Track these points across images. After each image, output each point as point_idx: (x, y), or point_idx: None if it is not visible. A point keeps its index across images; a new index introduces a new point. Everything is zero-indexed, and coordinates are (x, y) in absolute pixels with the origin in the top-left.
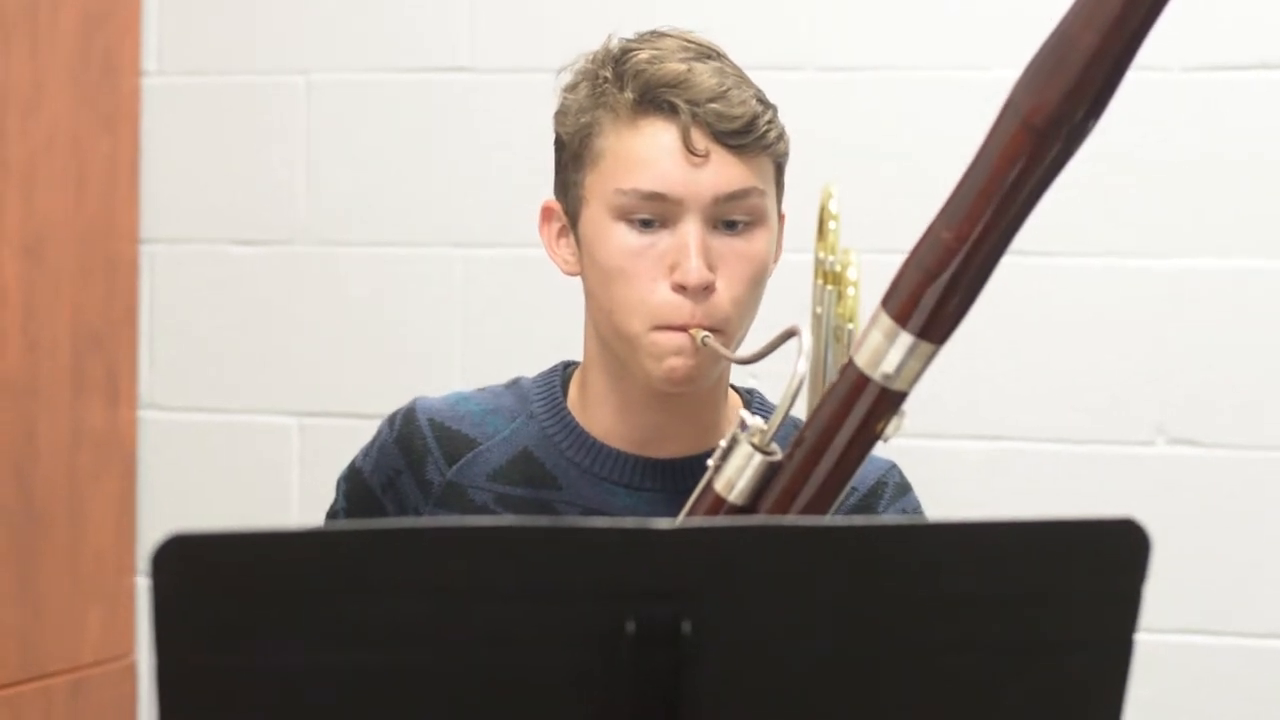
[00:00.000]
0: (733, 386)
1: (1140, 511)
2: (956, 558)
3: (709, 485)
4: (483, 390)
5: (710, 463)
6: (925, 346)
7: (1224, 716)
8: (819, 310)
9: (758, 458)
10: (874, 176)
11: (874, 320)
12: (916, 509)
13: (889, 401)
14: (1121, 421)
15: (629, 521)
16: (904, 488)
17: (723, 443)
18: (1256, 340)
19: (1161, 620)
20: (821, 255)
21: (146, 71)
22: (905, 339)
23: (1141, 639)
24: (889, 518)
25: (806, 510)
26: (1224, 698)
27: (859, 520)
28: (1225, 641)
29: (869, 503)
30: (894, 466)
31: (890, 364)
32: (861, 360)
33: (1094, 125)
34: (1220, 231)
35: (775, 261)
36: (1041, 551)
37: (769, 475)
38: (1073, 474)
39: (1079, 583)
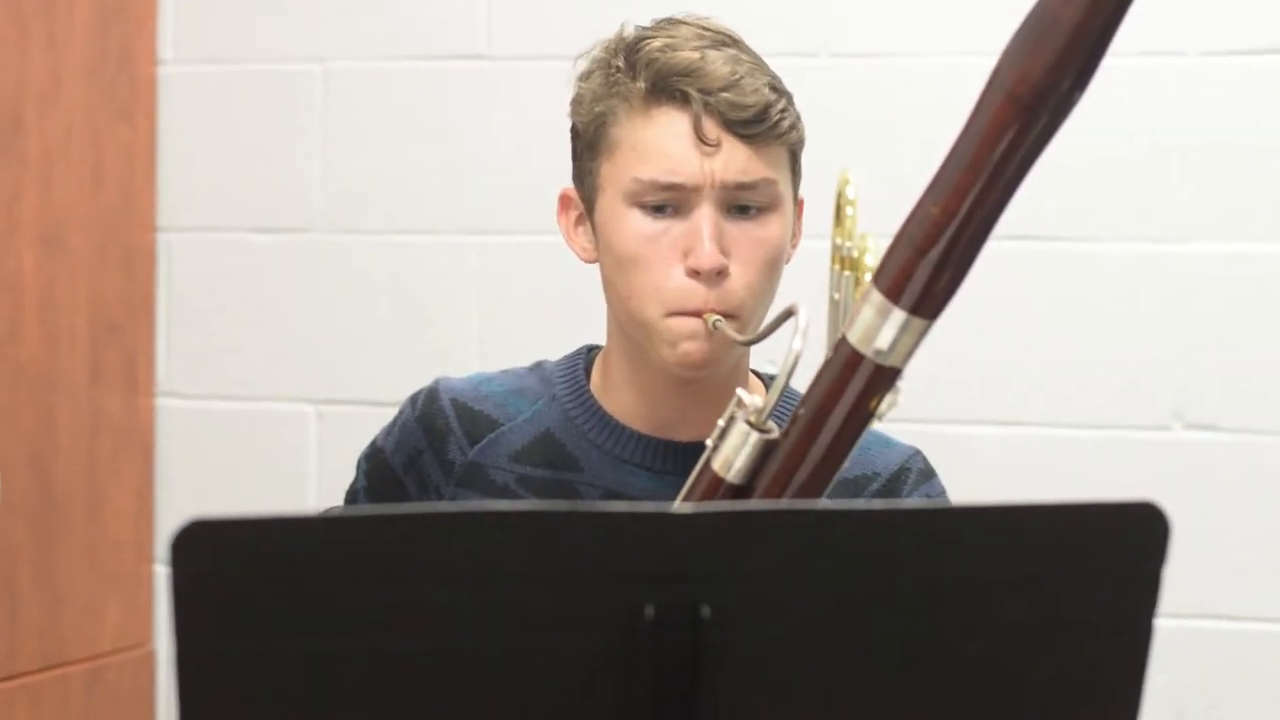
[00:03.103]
0: (755, 372)
1: (1158, 497)
2: (976, 541)
3: (707, 464)
4: (506, 372)
5: (709, 441)
6: (918, 322)
7: (1242, 700)
8: (836, 296)
9: (754, 436)
10: (891, 162)
11: (866, 297)
12: (941, 495)
13: (883, 378)
14: (1139, 406)
15: (648, 505)
16: (927, 474)
17: (720, 421)
18: (1274, 325)
19: (1181, 605)
20: (839, 241)
21: (163, 61)
22: (898, 315)
23: (1161, 623)
24: (910, 501)
25: (803, 488)
26: (1242, 682)
27: (879, 504)
28: (1244, 626)
29: (892, 488)
30: (918, 452)
31: (883, 340)
32: (854, 337)
33: (1080, 96)
34: (1238, 216)
35: (794, 247)
36: (1061, 535)
37: (765, 453)
38: (1091, 459)
39: (1099, 566)
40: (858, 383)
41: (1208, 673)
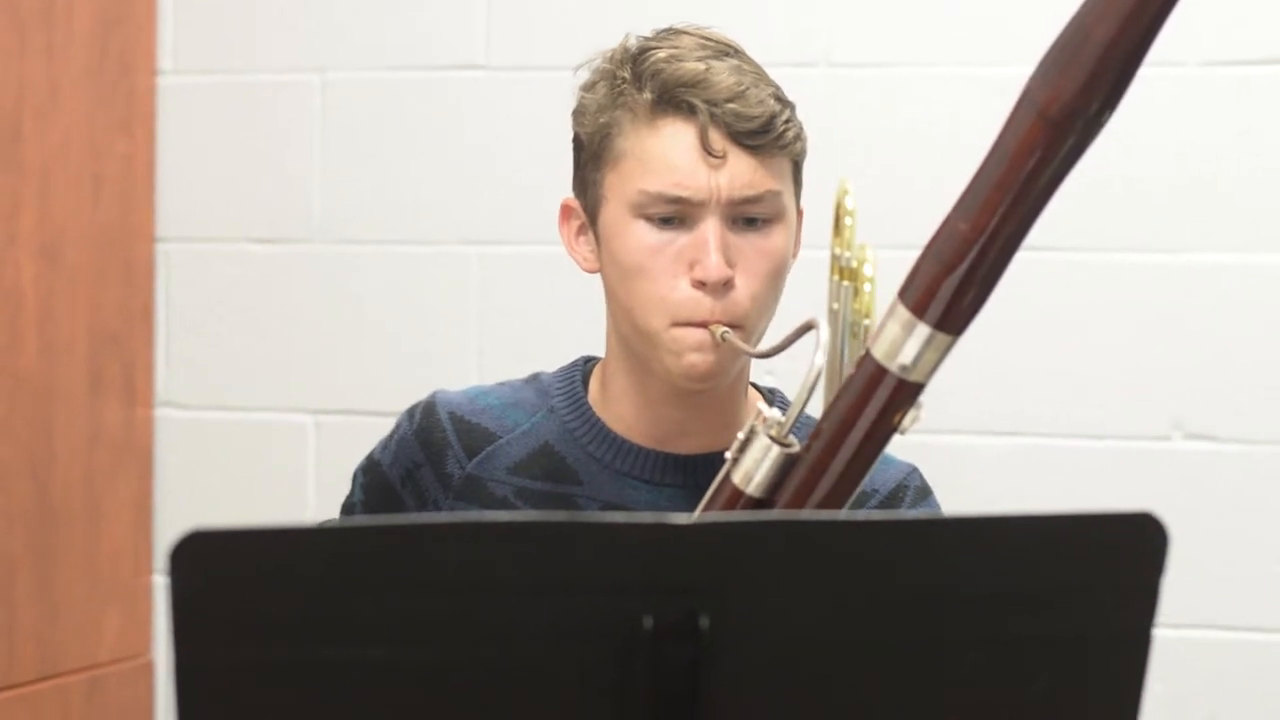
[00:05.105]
0: (754, 385)
1: (1157, 507)
2: (974, 553)
3: (727, 477)
4: (503, 384)
5: (728, 455)
6: (942, 338)
7: (1240, 711)
8: (835, 306)
9: (775, 450)
10: (890, 172)
11: (891, 312)
12: (937, 513)
13: (906, 393)
14: (1138, 416)
15: (647, 516)
16: (925, 491)
17: (740, 435)
18: (1273, 335)
19: (1179, 615)
20: (838, 251)
21: (162, 71)
22: (923, 330)
23: (1159, 633)
24: (909, 512)
25: (824, 502)
26: (1242, 692)
27: (877, 515)
28: (1242, 636)
29: (890, 505)
30: (915, 470)
31: (907, 355)
32: (879, 352)
33: (1110, 117)
34: (1236, 226)
35: (794, 257)
36: (1059, 546)
37: (786, 467)
38: (1090, 469)
39: (1097, 577)
40: (881, 397)
41: (1207, 683)
